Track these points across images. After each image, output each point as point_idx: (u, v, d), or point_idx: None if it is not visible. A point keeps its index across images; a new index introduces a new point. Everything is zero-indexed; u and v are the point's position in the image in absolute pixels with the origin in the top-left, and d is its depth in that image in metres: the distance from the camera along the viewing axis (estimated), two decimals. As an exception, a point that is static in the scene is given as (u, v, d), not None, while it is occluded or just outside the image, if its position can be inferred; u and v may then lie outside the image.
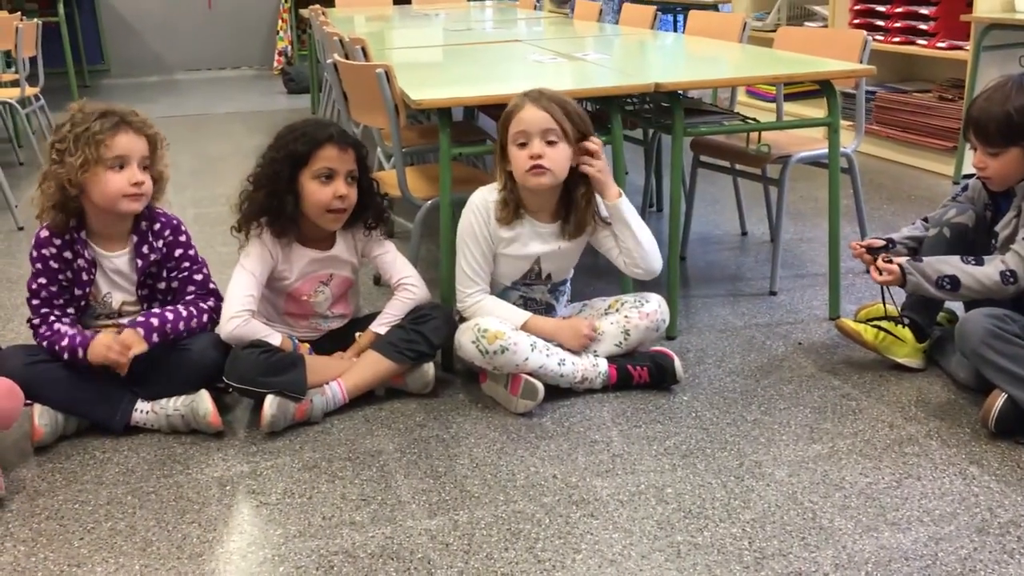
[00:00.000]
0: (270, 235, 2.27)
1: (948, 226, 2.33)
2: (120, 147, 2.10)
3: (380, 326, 2.33)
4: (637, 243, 2.28)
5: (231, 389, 2.20)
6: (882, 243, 2.40)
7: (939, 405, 2.21)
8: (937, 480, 1.90)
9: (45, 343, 2.13)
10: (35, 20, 5.43)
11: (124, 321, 2.26)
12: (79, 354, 2.10)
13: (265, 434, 2.15)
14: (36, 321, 2.16)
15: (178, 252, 2.25)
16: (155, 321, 2.13)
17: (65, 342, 2.10)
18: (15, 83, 5.16)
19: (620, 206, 2.26)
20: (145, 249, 2.20)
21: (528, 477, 1.96)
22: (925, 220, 2.45)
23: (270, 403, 2.12)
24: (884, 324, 2.38)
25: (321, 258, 2.33)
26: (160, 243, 2.22)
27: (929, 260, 2.20)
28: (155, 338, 2.12)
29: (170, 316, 2.16)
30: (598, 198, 2.29)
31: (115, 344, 2.09)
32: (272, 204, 2.23)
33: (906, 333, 2.36)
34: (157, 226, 2.23)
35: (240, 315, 2.20)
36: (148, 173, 2.16)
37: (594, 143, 2.22)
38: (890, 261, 2.24)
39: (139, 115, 2.17)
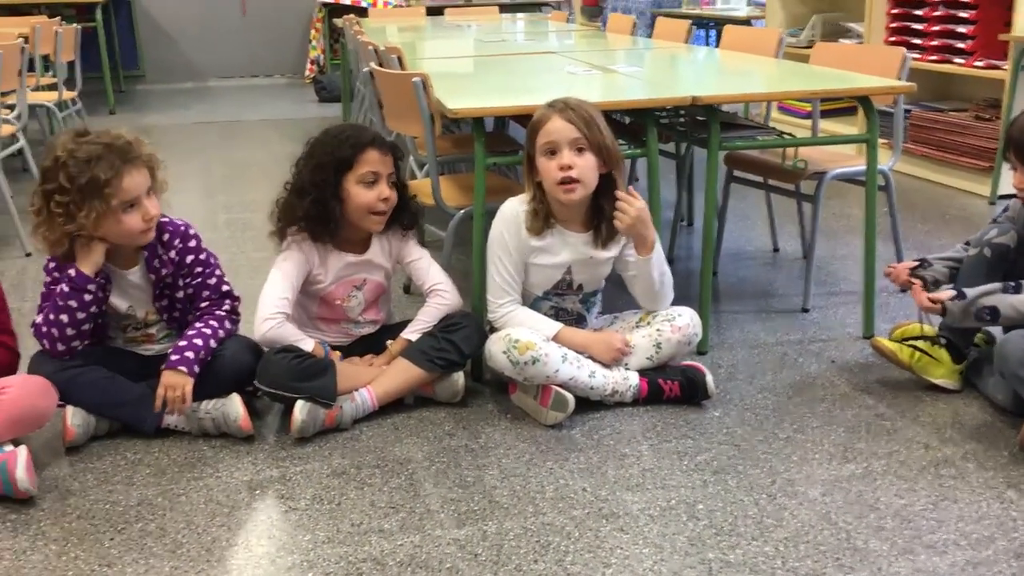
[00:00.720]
0: (309, 240, 2.28)
1: (989, 246, 2.30)
2: (128, 191, 2.04)
3: (412, 332, 2.33)
4: (652, 294, 2.33)
5: (261, 393, 2.20)
6: (916, 263, 2.38)
7: (976, 427, 2.17)
8: (974, 503, 1.87)
9: (47, 308, 2.10)
10: (74, 25, 5.51)
11: (153, 330, 2.27)
12: (73, 274, 2.06)
13: (294, 439, 2.15)
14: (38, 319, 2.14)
15: (189, 259, 2.24)
16: (190, 354, 2.12)
17: (64, 284, 2.08)
18: (53, 87, 5.23)
19: (649, 263, 2.27)
20: (156, 263, 2.19)
21: (557, 489, 1.95)
22: (967, 244, 2.41)
23: (300, 408, 2.12)
24: (920, 344, 2.35)
25: (356, 262, 2.34)
26: (172, 253, 2.21)
27: (971, 294, 2.16)
28: (196, 369, 2.12)
29: (200, 342, 2.15)
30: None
31: (167, 393, 2.08)
32: (317, 210, 2.23)
33: (943, 353, 2.33)
34: (166, 237, 2.21)
35: (275, 317, 2.21)
36: (152, 195, 2.12)
37: (629, 198, 2.21)
38: (925, 283, 2.22)
39: (132, 144, 2.08)
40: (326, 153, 2.24)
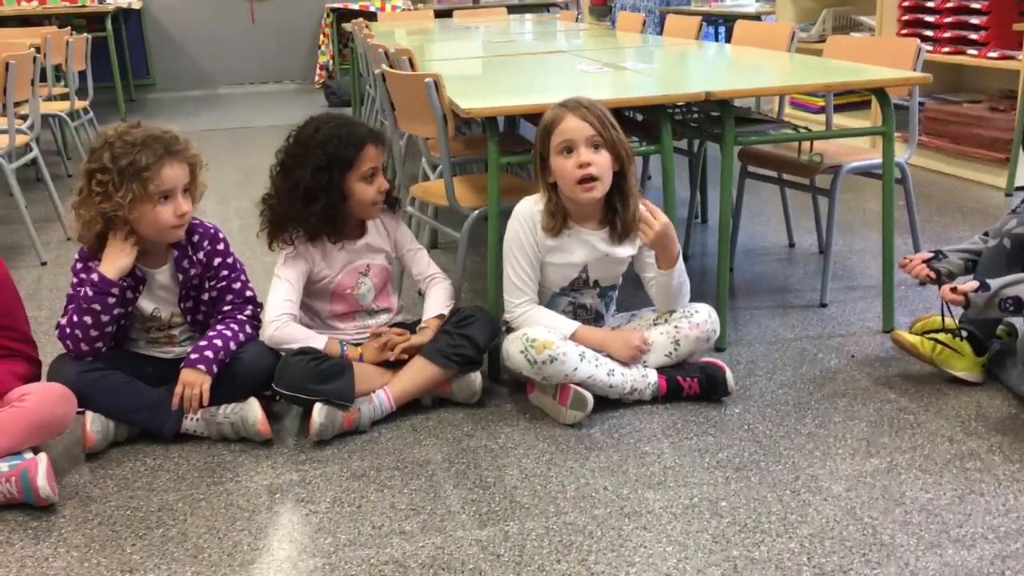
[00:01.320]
0: (306, 241, 2.28)
1: (1009, 236, 2.28)
2: (167, 180, 2.07)
3: (435, 312, 2.37)
4: (669, 300, 2.33)
5: (279, 397, 2.20)
6: (930, 255, 2.36)
7: (1000, 419, 2.15)
8: (1001, 496, 1.84)
9: (72, 310, 2.11)
10: (84, 35, 5.53)
11: (175, 332, 2.27)
12: (96, 279, 2.07)
13: (313, 443, 2.15)
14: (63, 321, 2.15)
15: (217, 261, 2.25)
16: (209, 354, 2.13)
17: (87, 288, 2.08)
18: (65, 96, 5.26)
19: (670, 275, 2.27)
20: (186, 263, 2.21)
21: (579, 488, 1.93)
22: (986, 234, 2.39)
23: (319, 411, 2.12)
24: (941, 337, 2.33)
25: (356, 247, 2.36)
26: (200, 254, 2.23)
27: (994, 285, 2.13)
28: (215, 368, 2.13)
29: (219, 343, 2.16)
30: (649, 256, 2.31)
31: (185, 390, 2.09)
32: (328, 213, 2.24)
33: (964, 346, 2.30)
34: (196, 238, 2.23)
35: (278, 319, 2.22)
36: (189, 195, 2.15)
37: (651, 213, 2.21)
38: (943, 282, 2.21)
39: (179, 140, 2.13)
40: (326, 154, 2.21)
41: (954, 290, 2.16)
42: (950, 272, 2.34)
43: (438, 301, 2.40)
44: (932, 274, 2.30)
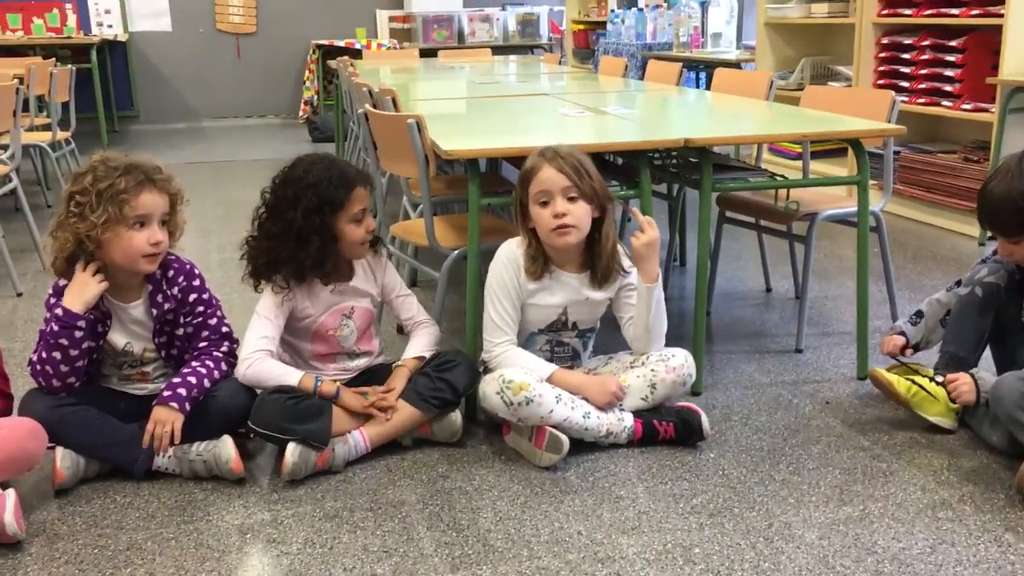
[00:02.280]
0: (294, 282, 2.27)
1: (980, 285, 2.32)
2: (143, 206, 2.07)
3: (415, 355, 2.36)
4: (647, 331, 2.33)
5: (253, 435, 2.19)
6: (902, 341, 2.48)
7: (972, 469, 2.17)
8: (972, 547, 1.85)
9: (41, 346, 2.09)
10: (68, 67, 5.54)
11: (148, 369, 2.25)
12: (60, 313, 2.05)
13: (286, 482, 2.13)
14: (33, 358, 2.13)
15: (192, 297, 2.24)
16: (183, 391, 2.11)
17: (52, 323, 2.07)
18: (47, 127, 5.25)
19: (652, 292, 2.28)
20: (159, 298, 2.19)
21: (552, 532, 1.93)
22: (958, 283, 2.44)
23: (292, 451, 2.10)
24: (918, 379, 2.35)
25: (342, 289, 2.35)
26: (175, 290, 2.21)
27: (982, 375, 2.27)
28: (188, 406, 2.11)
29: (193, 380, 2.14)
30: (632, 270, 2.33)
31: (156, 427, 2.07)
32: (321, 255, 2.22)
33: (940, 391, 2.32)
34: (171, 273, 2.22)
35: (252, 356, 2.21)
36: (166, 228, 2.14)
37: (648, 223, 2.25)
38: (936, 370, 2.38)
39: (163, 171, 2.14)
40: (317, 196, 2.20)
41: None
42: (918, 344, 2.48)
43: (421, 344, 2.40)
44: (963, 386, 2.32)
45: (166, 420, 2.08)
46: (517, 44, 9.32)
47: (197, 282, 2.25)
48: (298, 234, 2.21)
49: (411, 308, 2.47)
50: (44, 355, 2.08)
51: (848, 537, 1.89)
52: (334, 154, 2.36)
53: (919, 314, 2.50)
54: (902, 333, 2.50)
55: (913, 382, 2.35)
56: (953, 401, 2.29)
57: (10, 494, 1.89)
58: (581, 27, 8.47)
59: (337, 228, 2.24)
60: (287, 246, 2.22)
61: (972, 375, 2.27)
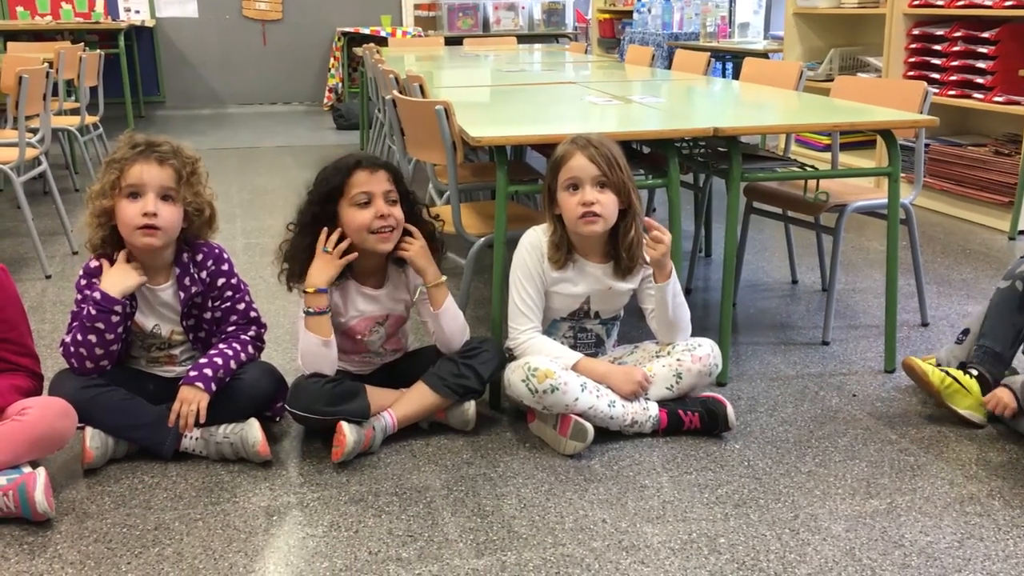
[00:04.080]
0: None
1: (1020, 279, 2.30)
2: (134, 176, 2.07)
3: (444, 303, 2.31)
4: (668, 325, 2.33)
5: (293, 418, 2.19)
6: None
7: (1001, 464, 2.14)
8: (1000, 542, 1.84)
9: (75, 328, 2.12)
10: (97, 52, 5.58)
11: (176, 351, 2.27)
12: (99, 297, 2.07)
13: (312, 466, 2.14)
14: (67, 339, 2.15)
15: (221, 281, 2.25)
16: (209, 371, 2.13)
17: (89, 306, 2.09)
18: (75, 111, 5.29)
19: (665, 289, 2.28)
20: (187, 281, 2.20)
21: (577, 520, 1.93)
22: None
23: (351, 430, 2.12)
24: (952, 370, 2.33)
25: (376, 295, 2.31)
26: (203, 273, 2.22)
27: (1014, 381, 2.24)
28: (213, 386, 2.12)
29: (220, 361, 2.16)
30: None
31: (182, 407, 2.09)
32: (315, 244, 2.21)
33: (973, 384, 2.30)
34: (199, 256, 2.22)
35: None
36: (172, 205, 2.10)
37: (661, 231, 2.23)
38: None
39: (171, 145, 2.13)
40: (317, 186, 2.22)
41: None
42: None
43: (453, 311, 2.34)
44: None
45: (192, 400, 2.09)
46: (542, 33, 9.30)
47: (226, 266, 2.26)
48: (301, 227, 2.23)
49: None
50: (79, 337, 2.10)
51: (875, 530, 1.88)
52: (363, 152, 2.34)
53: (965, 332, 2.47)
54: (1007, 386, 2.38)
55: (947, 373, 2.32)
56: (992, 411, 2.26)
57: (40, 472, 1.91)
58: (607, 16, 8.42)
59: (340, 216, 2.21)
60: (301, 243, 2.23)
61: (1008, 386, 2.24)
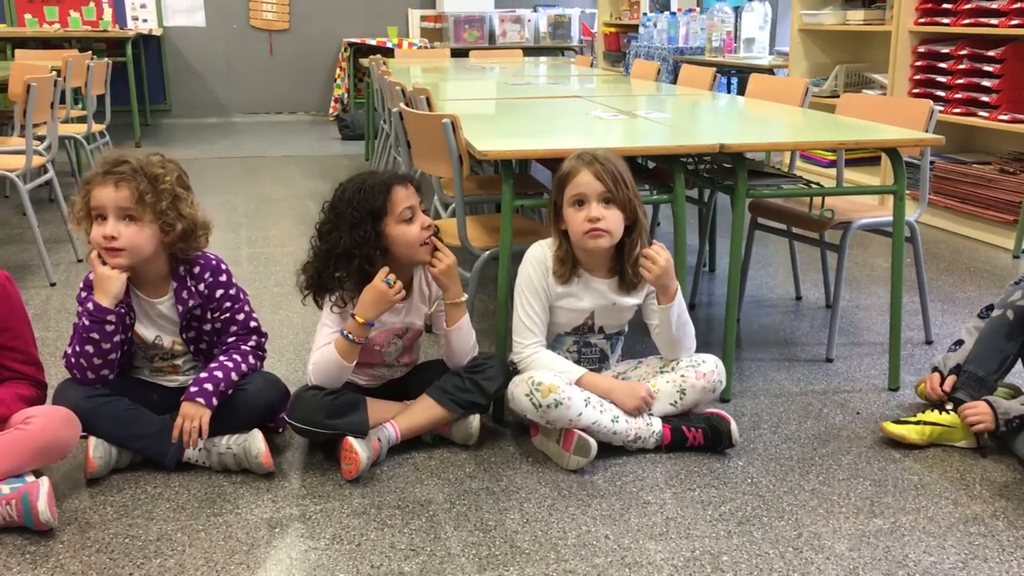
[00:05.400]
0: (347, 298, 2.24)
1: (1012, 308, 2.32)
2: (96, 198, 2.06)
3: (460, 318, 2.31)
4: (671, 343, 2.33)
5: (284, 430, 2.19)
6: (955, 380, 2.41)
7: (1004, 484, 2.14)
8: (1004, 563, 1.83)
9: (75, 339, 2.12)
10: (105, 60, 5.60)
11: (179, 362, 2.27)
12: (91, 307, 2.08)
13: (315, 477, 2.14)
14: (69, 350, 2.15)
15: (219, 292, 2.24)
16: (209, 386, 2.12)
17: (84, 317, 2.10)
18: (82, 119, 5.31)
19: (669, 311, 2.28)
20: (184, 294, 2.19)
21: (579, 536, 1.92)
22: (989, 308, 2.42)
23: (360, 445, 2.11)
24: (929, 417, 2.31)
25: (400, 307, 2.28)
26: (201, 286, 2.22)
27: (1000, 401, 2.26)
28: (215, 401, 2.12)
29: (220, 374, 2.15)
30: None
31: (184, 423, 2.09)
32: (364, 270, 2.18)
33: (953, 419, 2.29)
34: (196, 269, 2.22)
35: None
36: (136, 224, 2.07)
37: (655, 249, 2.22)
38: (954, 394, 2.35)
39: (134, 164, 2.08)
40: (356, 210, 2.17)
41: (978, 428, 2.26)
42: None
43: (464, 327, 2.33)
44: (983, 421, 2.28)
45: (194, 416, 2.09)
46: (548, 46, 9.32)
47: (223, 277, 2.25)
48: (344, 253, 2.17)
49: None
50: (78, 348, 2.11)
51: (878, 549, 1.87)
52: (373, 168, 2.33)
53: (959, 343, 2.48)
54: (936, 370, 2.48)
55: (925, 423, 2.31)
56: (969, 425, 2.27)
57: (43, 482, 1.91)
58: (612, 30, 8.45)
59: (387, 234, 2.19)
60: (336, 266, 2.19)
61: (988, 402, 2.24)
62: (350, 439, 2.12)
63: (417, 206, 2.23)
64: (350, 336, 2.16)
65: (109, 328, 2.09)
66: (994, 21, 4.34)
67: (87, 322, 2.08)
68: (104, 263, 2.10)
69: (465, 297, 2.31)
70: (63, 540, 1.89)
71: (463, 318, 2.30)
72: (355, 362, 2.20)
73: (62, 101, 4.66)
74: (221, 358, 2.21)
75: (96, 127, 5.26)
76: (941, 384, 2.41)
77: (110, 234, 2.06)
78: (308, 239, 2.30)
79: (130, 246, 2.08)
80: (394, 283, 2.16)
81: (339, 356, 2.16)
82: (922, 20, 4.75)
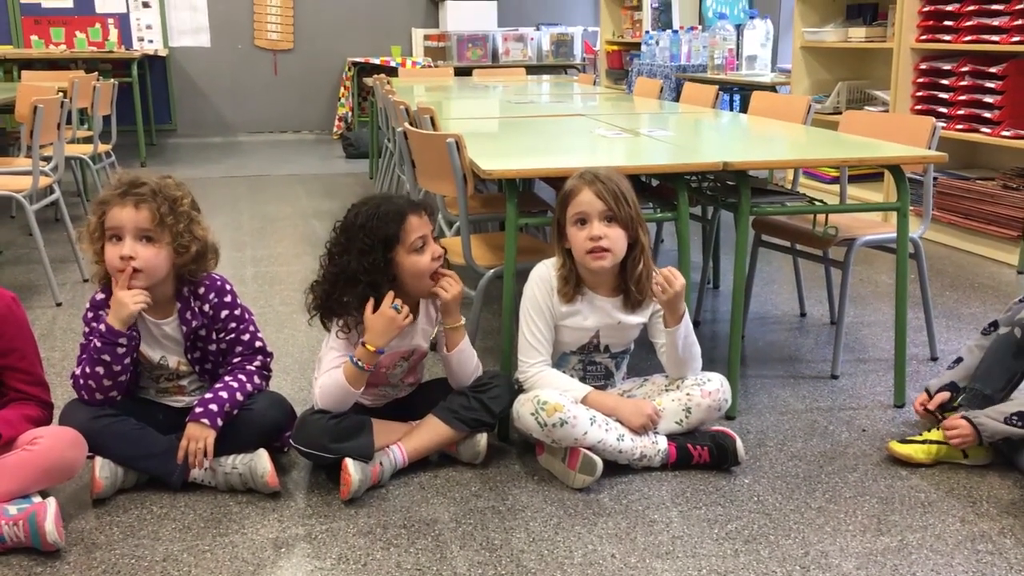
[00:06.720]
0: (352, 323, 2.23)
1: (1021, 327, 2.31)
2: (113, 219, 2.07)
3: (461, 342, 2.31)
4: (677, 364, 2.33)
5: (298, 453, 2.19)
6: (947, 396, 2.42)
7: (1012, 501, 2.13)
8: (1013, 581, 1.82)
9: (84, 361, 2.13)
10: (112, 81, 5.64)
11: (184, 382, 2.28)
12: (104, 329, 2.08)
13: (320, 497, 2.14)
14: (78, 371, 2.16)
15: (224, 313, 2.24)
16: (214, 407, 2.13)
17: (95, 339, 2.10)
18: (88, 139, 5.34)
19: (676, 333, 2.28)
20: (188, 315, 2.20)
21: (586, 555, 1.92)
22: (991, 325, 2.42)
23: (354, 469, 2.11)
24: (933, 436, 2.31)
25: (408, 331, 2.27)
26: (206, 307, 2.22)
27: (988, 411, 2.24)
28: (220, 422, 2.12)
29: (225, 395, 2.15)
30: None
31: (189, 445, 2.10)
32: (368, 295, 2.16)
33: None
34: (201, 290, 2.22)
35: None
36: (153, 245, 2.08)
37: (672, 272, 2.22)
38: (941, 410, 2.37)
39: (152, 185, 2.09)
40: (368, 236, 2.15)
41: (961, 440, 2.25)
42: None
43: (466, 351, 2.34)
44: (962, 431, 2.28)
45: (199, 437, 2.10)
46: (551, 64, 9.37)
47: (228, 298, 2.26)
48: (351, 277, 2.16)
49: None
50: (88, 370, 2.11)
51: (886, 568, 1.87)
52: (388, 192, 2.31)
53: (958, 360, 2.48)
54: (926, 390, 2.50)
55: (930, 442, 2.30)
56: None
57: (51, 502, 1.91)
58: (615, 48, 8.49)
59: (398, 263, 2.17)
60: (343, 289, 2.18)
61: (969, 419, 2.23)
62: (347, 460, 2.11)
63: (429, 235, 2.21)
64: (359, 363, 2.15)
65: (120, 351, 2.10)
66: (995, 38, 4.36)
67: (99, 343, 2.09)
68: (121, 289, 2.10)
69: (463, 321, 2.31)
70: (69, 561, 1.89)
71: (463, 341, 2.30)
72: (362, 388, 2.20)
73: (68, 122, 4.70)
74: (226, 378, 2.21)
75: (102, 147, 5.29)
76: (929, 402, 2.43)
77: (127, 254, 2.07)
78: (313, 258, 2.30)
79: (147, 267, 2.09)
80: (402, 308, 2.17)
81: (347, 382, 2.16)
82: (924, 37, 4.77)
